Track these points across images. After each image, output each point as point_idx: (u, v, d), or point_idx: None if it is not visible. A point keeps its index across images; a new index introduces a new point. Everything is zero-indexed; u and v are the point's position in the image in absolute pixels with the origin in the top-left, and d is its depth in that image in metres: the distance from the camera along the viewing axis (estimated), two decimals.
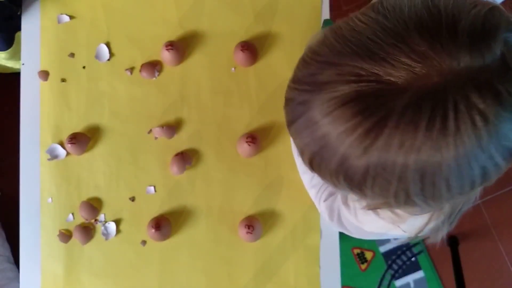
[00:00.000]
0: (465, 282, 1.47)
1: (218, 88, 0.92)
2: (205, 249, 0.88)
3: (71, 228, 0.90)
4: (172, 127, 0.91)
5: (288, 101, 0.42)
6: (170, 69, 0.93)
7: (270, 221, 0.88)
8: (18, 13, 0.97)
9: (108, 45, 0.95)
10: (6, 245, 1.29)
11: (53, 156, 0.92)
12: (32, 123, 0.94)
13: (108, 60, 0.94)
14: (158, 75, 0.93)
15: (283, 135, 0.89)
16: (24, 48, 0.97)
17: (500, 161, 0.35)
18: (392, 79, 0.33)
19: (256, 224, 0.85)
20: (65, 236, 0.90)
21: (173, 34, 0.94)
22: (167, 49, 0.89)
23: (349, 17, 0.40)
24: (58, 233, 0.90)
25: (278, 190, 0.88)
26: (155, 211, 0.90)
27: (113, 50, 0.95)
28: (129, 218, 0.90)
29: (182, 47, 0.93)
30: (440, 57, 0.33)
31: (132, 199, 0.91)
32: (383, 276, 1.62)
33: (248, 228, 0.83)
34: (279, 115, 0.90)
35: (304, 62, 0.41)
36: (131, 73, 0.94)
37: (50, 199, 0.92)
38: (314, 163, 0.41)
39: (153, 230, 0.85)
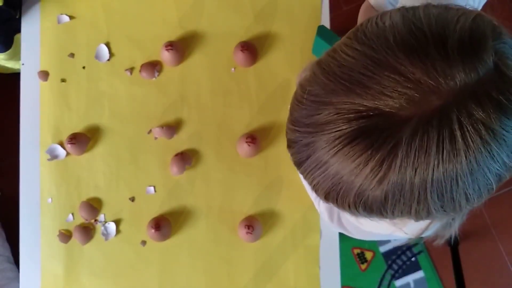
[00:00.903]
0: (465, 282, 1.47)
1: (218, 88, 0.92)
2: (205, 249, 0.88)
3: (71, 228, 0.91)
4: (172, 127, 0.91)
5: (291, 143, 0.42)
6: (170, 69, 0.93)
7: (270, 221, 0.88)
8: (17, 16, 0.97)
9: (108, 45, 0.95)
10: (6, 245, 1.29)
11: (53, 156, 0.92)
12: (32, 123, 0.94)
13: (108, 60, 0.94)
14: (158, 75, 0.93)
15: (282, 135, 0.89)
16: (24, 48, 0.97)
17: None
18: (393, 110, 0.33)
19: (256, 224, 0.85)
20: (65, 236, 0.90)
21: (173, 34, 0.94)
22: (167, 49, 0.89)
23: (334, 49, 0.39)
24: (58, 233, 0.90)
25: (278, 190, 0.88)
26: (155, 211, 0.90)
27: (113, 50, 0.95)
28: (129, 218, 0.90)
29: (182, 47, 0.92)
30: (436, 80, 0.32)
31: (132, 199, 0.91)
32: (383, 276, 1.62)
33: (248, 228, 0.83)
34: (279, 115, 0.90)
35: (299, 102, 0.40)
36: (131, 73, 0.94)
37: (50, 199, 0.92)
38: (329, 198, 0.41)
39: (153, 230, 0.85)
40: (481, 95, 0.32)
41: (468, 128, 0.32)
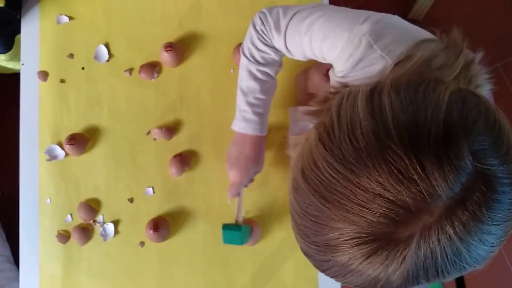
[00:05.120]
0: (465, 282, 1.47)
1: (217, 89, 0.92)
2: (203, 250, 0.88)
3: (70, 229, 0.91)
4: (171, 129, 0.91)
5: (307, 255, 0.43)
6: (169, 71, 0.93)
7: (269, 223, 0.88)
8: (18, 17, 0.97)
9: (107, 46, 0.94)
10: (6, 245, 1.29)
11: (52, 156, 0.92)
12: (31, 123, 0.94)
13: (107, 61, 0.94)
14: (157, 76, 0.93)
15: (281, 137, 0.89)
16: (24, 49, 0.97)
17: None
18: (391, 234, 0.35)
19: (254, 226, 0.85)
20: (64, 237, 0.90)
21: (172, 35, 0.93)
22: (166, 51, 0.89)
23: (314, 162, 0.39)
24: (56, 233, 0.90)
25: (277, 192, 0.88)
26: (153, 213, 0.90)
27: (112, 51, 0.95)
28: (127, 219, 0.90)
29: (181, 48, 0.92)
30: (424, 203, 0.34)
31: (131, 200, 0.91)
32: None
33: None
34: (278, 117, 0.89)
35: (297, 213, 0.41)
36: (130, 74, 0.94)
37: (48, 199, 0.92)
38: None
39: (152, 232, 0.85)
40: (468, 202, 0.34)
41: (464, 234, 0.35)
